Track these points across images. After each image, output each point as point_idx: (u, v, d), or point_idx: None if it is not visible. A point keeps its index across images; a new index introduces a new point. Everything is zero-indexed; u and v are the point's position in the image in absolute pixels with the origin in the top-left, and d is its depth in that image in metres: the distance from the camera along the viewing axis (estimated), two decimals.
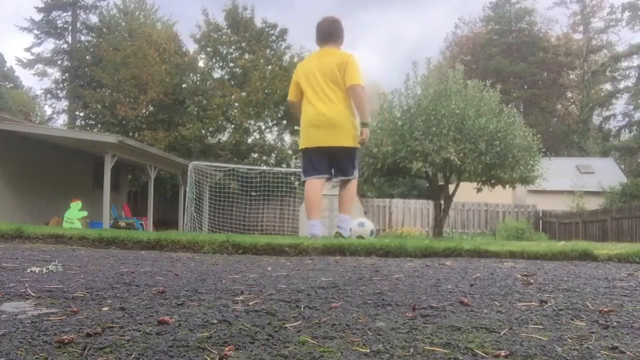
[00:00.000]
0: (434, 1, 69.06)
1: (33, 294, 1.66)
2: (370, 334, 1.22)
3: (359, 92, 4.79)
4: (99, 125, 22.07)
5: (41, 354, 1.01)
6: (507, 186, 12.59)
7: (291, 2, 66.84)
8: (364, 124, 4.91)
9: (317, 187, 4.83)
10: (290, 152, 21.37)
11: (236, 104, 20.90)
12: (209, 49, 22.07)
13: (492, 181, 12.09)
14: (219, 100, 20.46)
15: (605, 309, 1.53)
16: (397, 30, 72.02)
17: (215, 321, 1.31)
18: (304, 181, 4.97)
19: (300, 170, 5.43)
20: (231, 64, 22.23)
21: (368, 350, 1.08)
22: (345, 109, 4.78)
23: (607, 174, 22.30)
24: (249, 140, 21.32)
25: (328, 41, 4.97)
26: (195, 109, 20.91)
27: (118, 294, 1.71)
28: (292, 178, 16.65)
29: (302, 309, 1.51)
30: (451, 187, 12.75)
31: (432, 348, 1.10)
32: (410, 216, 18.08)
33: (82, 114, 24.96)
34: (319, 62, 4.88)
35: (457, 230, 17.97)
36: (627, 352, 1.09)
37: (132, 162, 13.65)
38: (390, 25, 71.36)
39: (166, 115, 21.02)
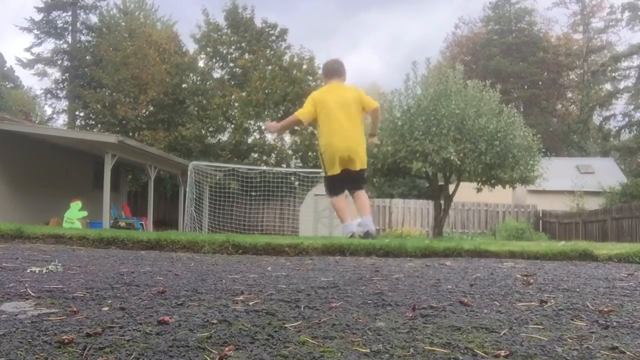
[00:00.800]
0: (435, 2, 69.04)
1: (33, 294, 1.66)
2: (370, 334, 1.22)
3: (378, 111, 5.64)
4: (99, 125, 22.09)
5: (41, 354, 1.01)
6: (507, 186, 12.58)
7: (294, 4, 66.95)
8: (373, 135, 5.85)
9: (343, 200, 5.50)
10: (290, 152, 21.38)
11: (236, 104, 20.90)
12: (209, 49, 22.07)
13: (492, 181, 12.08)
14: (219, 100, 20.46)
15: (605, 309, 1.53)
16: (398, 31, 72.01)
17: (215, 321, 1.32)
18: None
19: (300, 170, 5.77)
20: (231, 64, 22.24)
21: (368, 350, 1.08)
22: (361, 138, 5.50)
23: (607, 174, 22.29)
24: (249, 140, 21.31)
25: (337, 76, 5.58)
26: (195, 109, 20.92)
27: (118, 294, 1.71)
28: (292, 178, 16.65)
29: (302, 309, 1.51)
30: (451, 187, 12.74)
31: (432, 348, 1.10)
32: (410, 216, 18.08)
33: (82, 114, 24.99)
34: (337, 96, 5.44)
35: (457, 230, 17.96)
36: (627, 352, 1.09)
37: (132, 162, 13.65)
38: (392, 26, 71.35)
39: (166, 115, 21.03)
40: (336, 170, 5.33)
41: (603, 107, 36.48)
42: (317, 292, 1.83)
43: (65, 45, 28.22)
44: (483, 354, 1.06)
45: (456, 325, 1.31)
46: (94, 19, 28.20)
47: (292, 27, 45.84)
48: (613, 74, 35.45)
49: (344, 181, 5.41)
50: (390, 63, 67.67)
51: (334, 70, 5.61)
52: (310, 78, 20.93)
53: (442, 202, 13.00)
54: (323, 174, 5.62)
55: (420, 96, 11.46)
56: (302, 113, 5.37)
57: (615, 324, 1.35)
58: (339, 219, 5.63)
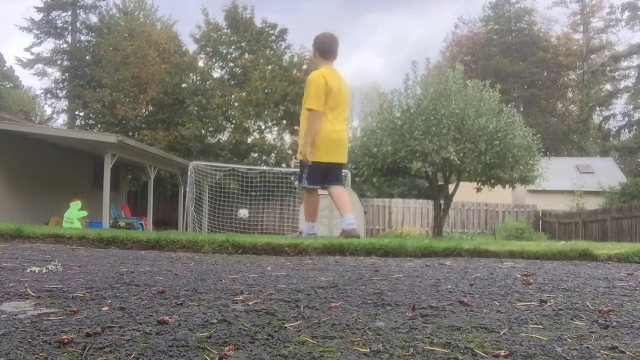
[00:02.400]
0: (438, 3, 69.02)
1: (33, 294, 1.66)
2: (370, 334, 1.22)
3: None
4: (99, 125, 22.07)
5: (41, 354, 1.01)
6: (507, 186, 12.59)
7: (297, 6, 67.08)
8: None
9: (318, 195, 5.29)
10: (290, 152, 21.36)
11: (236, 104, 20.89)
12: (209, 49, 22.06)
13: (492, 181, 12.09)
14: (219, 100, 20.46)
15: (605, 309, 1.53)
16: (401, 33, 72.02)
17: (215, 321, 1.31)
18: (307, 188, 5.26)
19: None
20: (231, 64, 22.22)
21: (368, 350, 1.08)
22: (347, 129, 5.50)
23: (607, 174, 22.29)
24: (249, 140, 21.31)
25: (334, 59, 5.26)
26: (195, 109, 20.90)
27: (118, 294, 1.71)
28: (292, 178, 16.64)
29: (302, 309, 1.51)
30: (451, 187, 12.75)
31: (432, 348, 1.10)
32: (410, 216, 18.08)
33: (82, 114, 24.97)
34: (340, 84, 5.17)
35: (457, 230, 17.97)
36: (627, 352, 1.09)
37: (132, 162, 13.65)
38: (395, 27, 71.36)
39: (166, 115, 21.03)
40: (323, 158, 5.10)
41: (603, 107, 36.47)
42: (317, 292, 1.83)
43: (65, 45, 28.23)
44: (483, 354, 1.06)
45: (456, 325, 1.31)
46: (94, 19, 28.25)
47: (295, 29, 45.88)
48: (613, 74, 35.45)
49: (325, 174, 5.21)
50: (392, 64, 67.76)
51: (335, 52, 5.24)
52: None
53: (442, 202, 13.00)
54: (304, 161, 5.19)
55: (420, 96, 11.47)
56: (319, 104, 5.00)
57: (615, 324, 1.35)
58: (305, 214, 5.28)
